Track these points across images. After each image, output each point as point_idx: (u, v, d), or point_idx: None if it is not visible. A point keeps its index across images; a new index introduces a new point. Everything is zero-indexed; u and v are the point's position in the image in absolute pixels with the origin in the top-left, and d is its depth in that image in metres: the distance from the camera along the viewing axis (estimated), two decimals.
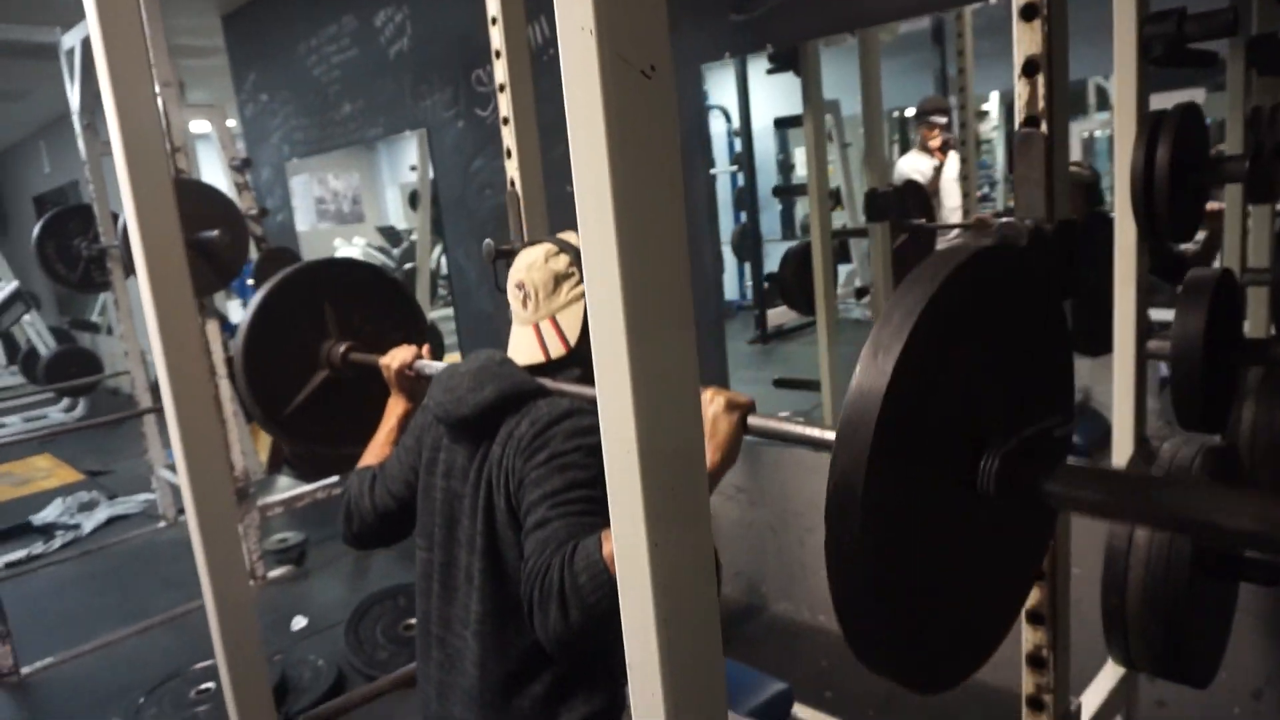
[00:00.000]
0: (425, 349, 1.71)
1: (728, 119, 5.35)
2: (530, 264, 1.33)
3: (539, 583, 1.06)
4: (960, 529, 0.84)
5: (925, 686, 0.85)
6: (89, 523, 4.52)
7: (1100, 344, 2.78)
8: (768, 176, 5.64)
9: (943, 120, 3.89)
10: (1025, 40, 1.22)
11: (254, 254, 3.50)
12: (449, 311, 7.36)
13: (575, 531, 1.08)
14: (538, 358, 1.32)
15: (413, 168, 5.07)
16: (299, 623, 3.20)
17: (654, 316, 0.70)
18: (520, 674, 1.24)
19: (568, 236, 1.37)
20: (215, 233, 2.96)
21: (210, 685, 2.59)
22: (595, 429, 1.14)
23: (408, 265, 6.52)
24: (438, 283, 5.65)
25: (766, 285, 4.71)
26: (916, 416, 0.74)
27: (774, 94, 4.63)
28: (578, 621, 1.03)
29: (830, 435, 0.84)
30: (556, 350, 1.31)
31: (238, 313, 6.07)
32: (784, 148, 8.09)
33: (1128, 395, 1.65)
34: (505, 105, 2.04)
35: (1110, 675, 1.69)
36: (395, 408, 1.65)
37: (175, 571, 3.82)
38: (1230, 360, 1.55)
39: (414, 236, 9.65)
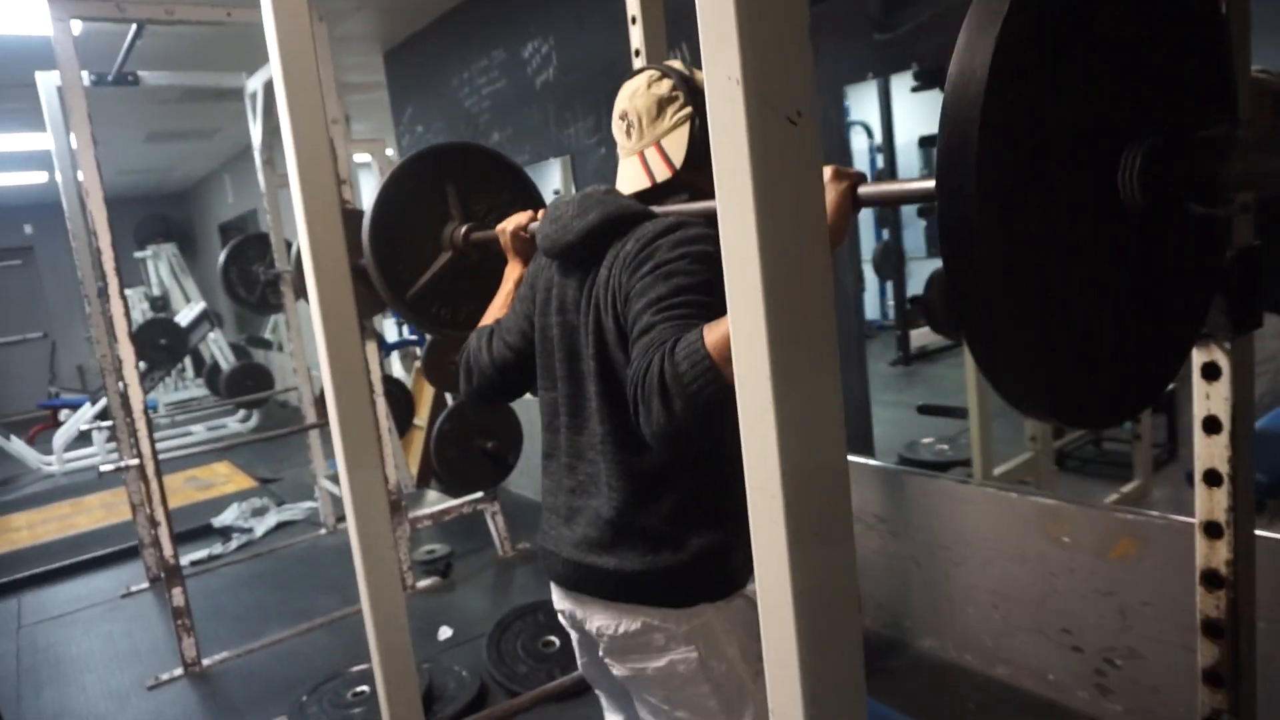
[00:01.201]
0: (541, 213, 1.66)
1: (869, 135, 5.23)
2: (633, 92, 1.30)
3: (644, 383, 1.04)
4: (1101, 247, 0.71)
5: (1076, 418, 0.75)
6: (260, 527, 4.88)
7: None
8: None
9: None
10: None
11: None
12: None
13: (680, 333, 1.05)
14: (643, 184, 1.29)
15: (556, 191, 5.22)
16: (445, 633, 3.33)
17: (799, 355, 0.69)
18: (645, 494, 1.23)
19: (668, 62, 1.33)
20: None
21: (365, 688, 2.74)
22: (703, 238, 1.16)
23: None
24: None
25: (910, 305, 4.55)
26: (1038, 87, 0.64)
27: (918, 109, 4.49)
28: (681, 411, 1.00)
29: None
30: (662, 174, 1.28)
31: (393, 332, 6.42)
32: (928, 163, 7.86)
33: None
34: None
35: None
36: (512, 271, 1.64)
37: (335, 576, 4.07)
38: None
39: None
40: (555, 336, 1.33)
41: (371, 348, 3.61)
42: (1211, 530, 1.24)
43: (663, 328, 1.08)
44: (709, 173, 1.32)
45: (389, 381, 4.16)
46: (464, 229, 1.92)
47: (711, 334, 1.00)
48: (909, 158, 5.45)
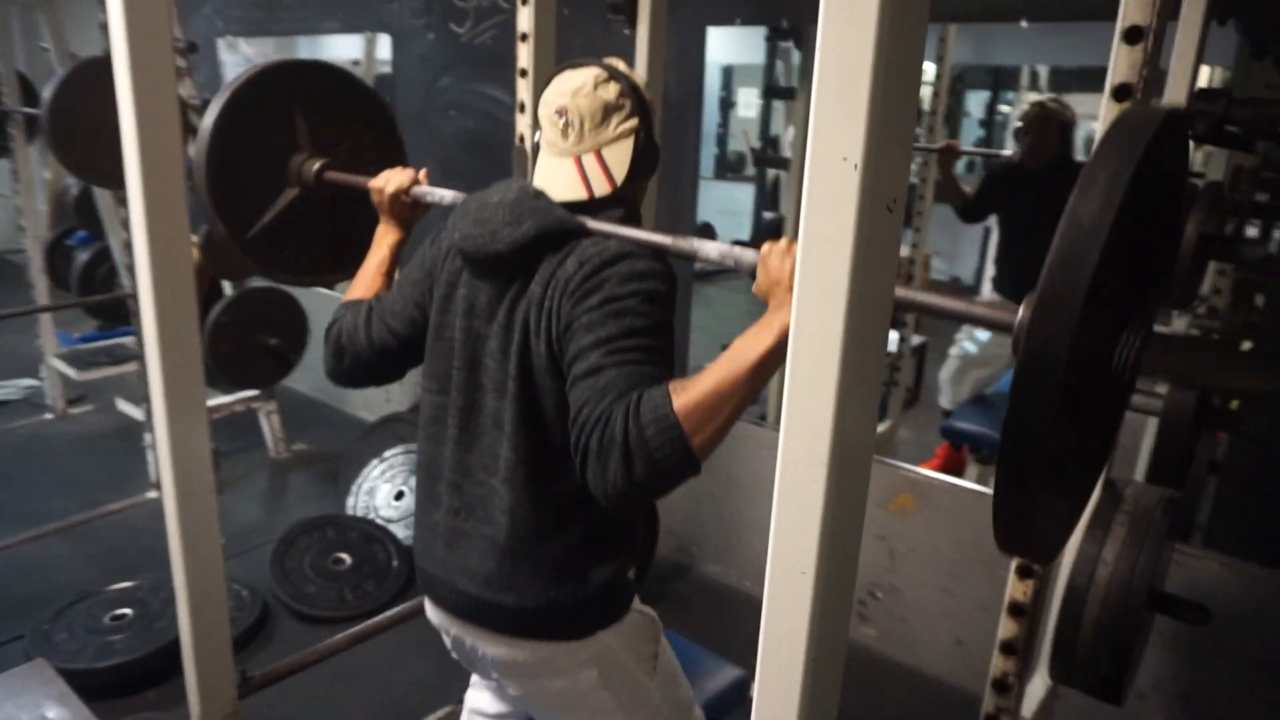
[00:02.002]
0: (424, 174, 1.56)
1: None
2: (577, 89, 1.20)
3: (598, 432, 1.01)
4: (1088, 412, 0.80)
5: (1047, 558, 0.86)
6: None
7: None
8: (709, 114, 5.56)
9: None
10: (1122, 64, 1.21)
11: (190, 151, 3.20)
12: None
13: (634, 381, 1.03)
14: (579, 194, 1.20)
15: (356, 63, 4.71)
16: None
17: (859, 380, 0.69)
18: (552, 523, 1.19)
19: (612, 61, 1.24)
20: None
21: (127, 611, 2.48)
22: (652, 274, 1.13)
23: None
24: None
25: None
26: (1103, 289, 0.68)
27: (729, 42, 4.53)
28: (641, 475, 0.99)
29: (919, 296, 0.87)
30: (601, 188, 1.20)
31: None
32: (727, 85, 8.01)
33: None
34: (525, 57, 1.92)
35: (1039, 688, 1.86)
36: (387, 236, 1.53)
37: (69, 472, 3.61)
38: (1201, 425, 1.67)
39: None
40: (456, 341, 1.24)
41: None
42: None
43: (613, 373, 1.04)
44: (642, 185, 1.28)
45: (194, 172, 3.60)
46: (317, 165, 1.70)
47: (680, 399, 0.98)
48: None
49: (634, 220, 1.25)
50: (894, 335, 4.29)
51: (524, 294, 1.17)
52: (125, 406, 3.96)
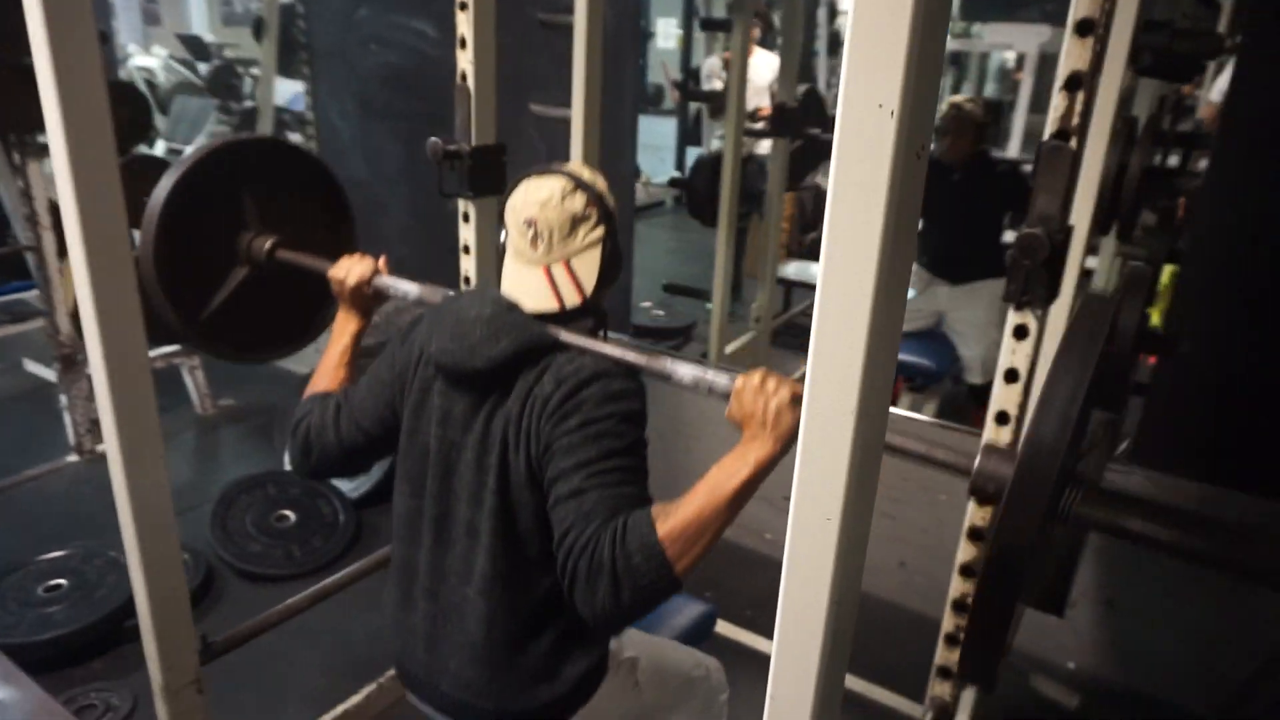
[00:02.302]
0: (383, 262, 1.57)
1: None
2: (544, 201, 1.23)
3: (585, 557, 1.06)
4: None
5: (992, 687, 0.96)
6: None
7: (961, 271, 3.02)
8: None
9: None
10: (1074, 54, 1.25)
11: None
12: None
13: (617, 504, 1.08)
14: (550, 305, 1.24)
15: None
16: None
17: (882, 345, 0.70)
18: (528, 631, 1.24)
19: (576, 170, 1.27)
20: None
21: (62, 581, 2.37)
22: (626, 393, 1.17)
23: (248, 103, 5.76)
24: (284, 126, 5.07)
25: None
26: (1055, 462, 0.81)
27: None
28: (629, 600, 1.05)
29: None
30: (572, 300, 1.25)
31: None
32: (644, 15, 7.84)
33: (1042, 364, 1.83)
34: None
35: None
36: (348, 325, 1.53)
37: None
38: (1137, 349, 1.75)
39: (226, 53, 8.57)
40: (431, 447, 1.26)
41: (35, 167, 2.91)
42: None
43: (595, 496, 1.08)
44: (608, 290, 1.30)
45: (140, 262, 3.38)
46: (268, 244, 1.66)
47: (664, 527, 1.03)
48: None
49: (602, 326, 1.29)
50: None
51: (501, 408, 1.20)
52: (34, 367, 3.74)
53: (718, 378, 1.15)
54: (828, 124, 3.73)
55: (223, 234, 1.68)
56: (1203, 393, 2.03)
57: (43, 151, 3.00)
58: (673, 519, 1.03)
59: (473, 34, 1.87)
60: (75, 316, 4.10)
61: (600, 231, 1.25)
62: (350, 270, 1.52)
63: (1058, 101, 1.28)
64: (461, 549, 1.25)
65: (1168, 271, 2.26)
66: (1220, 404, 2.10)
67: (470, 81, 1.91)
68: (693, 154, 7.14)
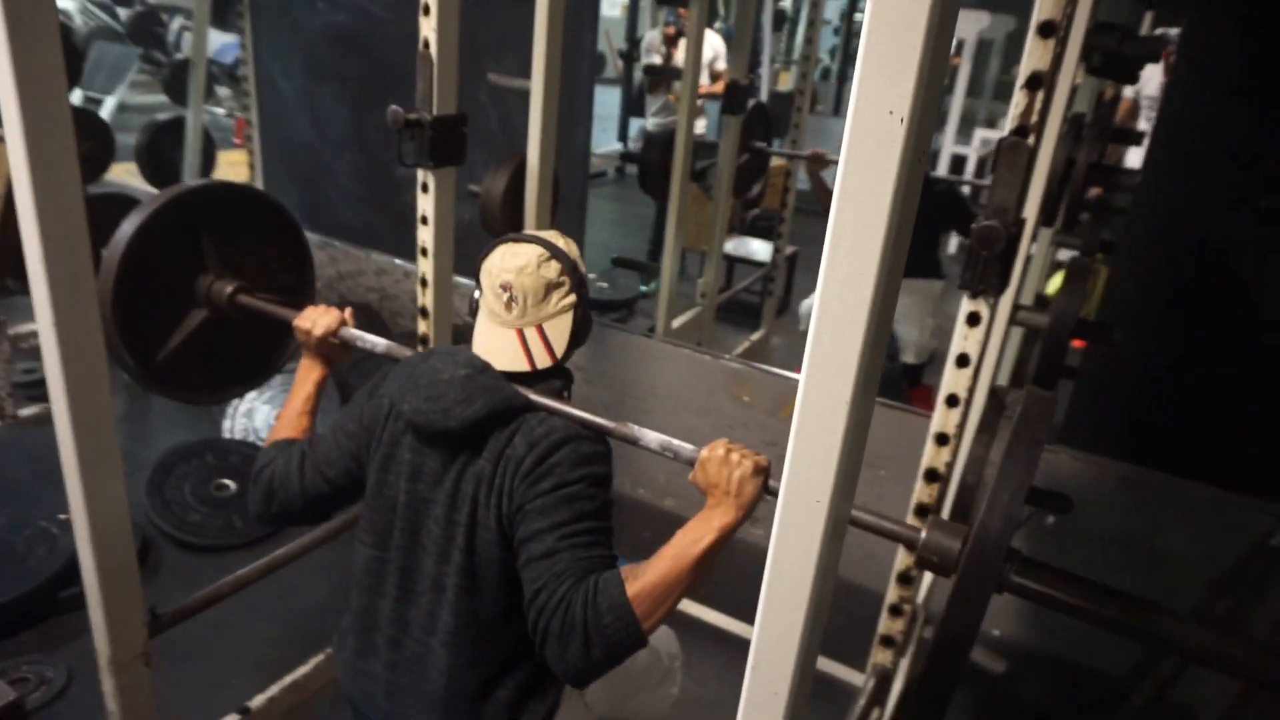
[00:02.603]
0: (349, 313, 1.58)
1: None
2: (521, 268, 1.28)
3: (558, 616, 1.11)
4: None
5: None
6: None
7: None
8: None
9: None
10: (1036, 55, 1.30)
11: None
12: (219, 111, 6.42)
13: (588, 565, 1.13)
14: (522, 366, 1.29)
15: None
16: None
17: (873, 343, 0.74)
18: (490, 682, 1.28)
19: (551, 239, 1.32)
20: None
21: None
22: (596, 457, 1.23)
23: (177, 55, 5.49)
24: (212, 77, 4.84)
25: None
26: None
27: None
28: (599, 656, 1.10)
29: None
30: (543, 361, 1.30)
31: None
32: None
33: (990, 350, 1.91)
34: None
35: (925, 577, 2.05)
36: (311, 373, 1.55)
37: None
38: (1073, 335, 1.85)
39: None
40: (400, 501, 1.28)
41: None
42: (941, 439, 1.56)
43: (567, 557, 1.13)
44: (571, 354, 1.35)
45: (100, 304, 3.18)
46: (230, 289, 1.64)
47: (633, 588, 1.08)
48: None
49: (568, 387, 1.35)
50: (768, 246, 4.42)
51: (471, 466, 1.23)
52: None
53: (682, 446, 1.21)
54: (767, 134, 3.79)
55: (181, 277, 1.67)
56: (1128, 378, 2.15)
57: None
58: (641, 581, 1.08)
59: (437, 1, 1.83)
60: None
61: (572, 299, 1.30)
62: (316, 322, 1.53)
63: (1018, 99, 1.34)
64: (427, 602, 1.28)
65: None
66: (1144, 389, 2.22)
67: (433, 50, 1.87)
68: (635, 125, 7.11)
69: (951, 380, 1.52)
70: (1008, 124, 1.36)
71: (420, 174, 1.95)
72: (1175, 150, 1.98)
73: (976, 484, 1.79)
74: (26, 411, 3.21)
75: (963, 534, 1.00)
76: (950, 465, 1.59)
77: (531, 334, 1.29)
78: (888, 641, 1.75)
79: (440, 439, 1.25)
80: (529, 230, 1.34)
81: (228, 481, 2.73)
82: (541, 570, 1.14)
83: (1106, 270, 2.34)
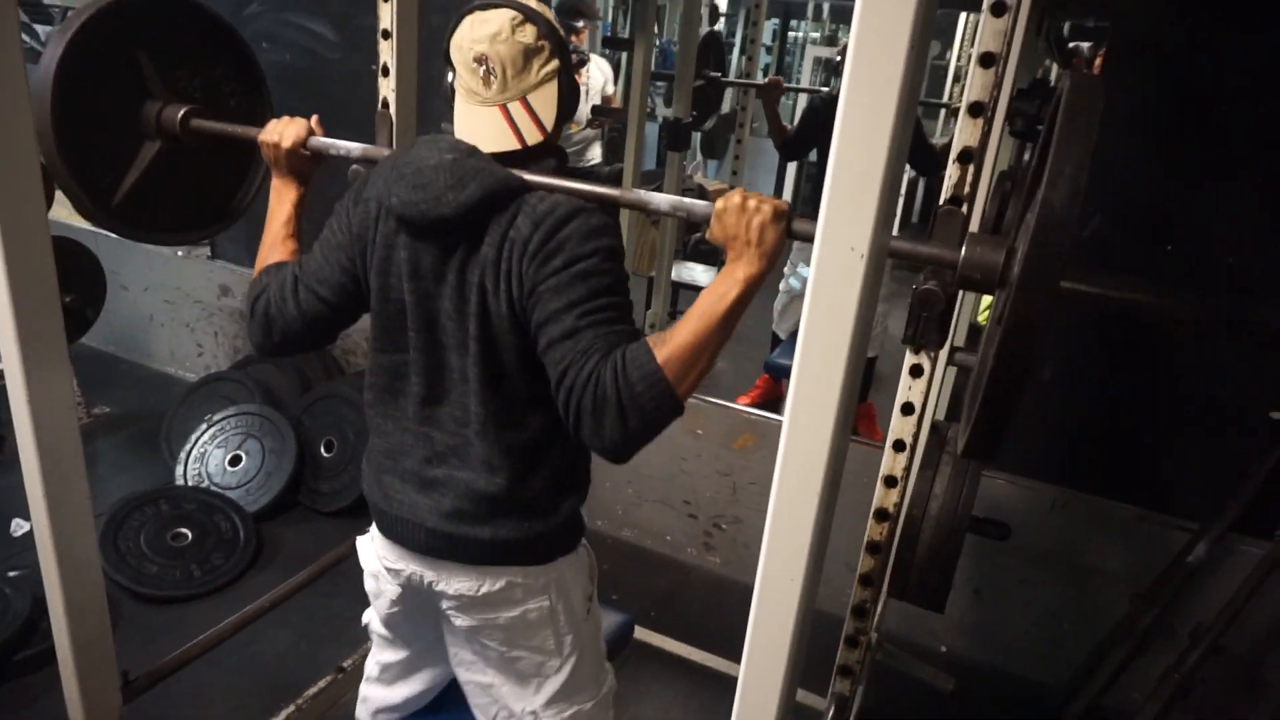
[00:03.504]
0: (315, 121, 1.47)
1: None
2: (494, 35, 1.18)
3: (589, 393, 1.07)
4: None
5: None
6: None
7: None
8: None
9: (579, 24, 3.69)
10: (966, 132, 1.42)
11: None
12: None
13: (612, 340, 1.10)
14: (511, 144, 1.21)
15: None
16: (21, 527, 2.81)
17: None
18: (525, 468, 1.26)
19: (522, 0, 1.21)
20: None
21: None
22: (606, 229, 1.18)
23: None
24: None
25: None
26: None
27: None
28: (636, 427, 1.07)
29: None
30: (533, 136, 1.22)
31: None
32: None
33: (935, 391, 2.02)
34: (388, 16, 1.84)
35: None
36: (287, 193, 1.45)
37: None
38: None
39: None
40: (407, 301, 1.24)
41: None
42: (890, 482, 1.67)
43: (590, 334, 1.10)
44: (561, 127, 1.33)
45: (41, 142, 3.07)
46: (181, 113, 1.55)
47: (663, 353, 1.06)
48: None
49: (564, 166, 1.27)
50: (711, 271, 4.52)
51: (475, 255, 1.18)
52: None
53: (695, 204, 1.16)
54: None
55: (126, 106, 1.54)
56: (1058, 407, 2.30)
57: None
58: (670, 345, 1.06)
59: (395, 62, 1.88)
60: None
61: (555, 64, 1.22)
62: (283, 134, 1.42)
63: (952, 171, 1.45)
64: (457, 394, 1.26)
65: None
66: (1072, 417, 2.38)
67: (392, 109, 1.92)
68: None
69: (898, 427, 1.63)
70: (942, 195, 1.47)
71: None
72: (1091, 199, 2.13)
73: (922, 517, 1.91)
74: None
75: (1005, 246, 0.98)
76: (899, 505, 1.69)
77: (516, 108, 1.20)
78: (845, 671, 1.85)
79: (435, 229, 1.18)
80: None
81: (184, 530, 2.71)
82: (565, 350, 1.10)
83: None
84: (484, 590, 1.30)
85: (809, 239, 1.10)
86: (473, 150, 1.19)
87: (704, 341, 1.07)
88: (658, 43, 6.60)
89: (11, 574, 2.41)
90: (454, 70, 1.24)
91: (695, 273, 4.87)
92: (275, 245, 1.41)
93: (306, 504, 3.03)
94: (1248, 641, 2.14)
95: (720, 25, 8.43)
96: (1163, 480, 2.31)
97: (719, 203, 1.09)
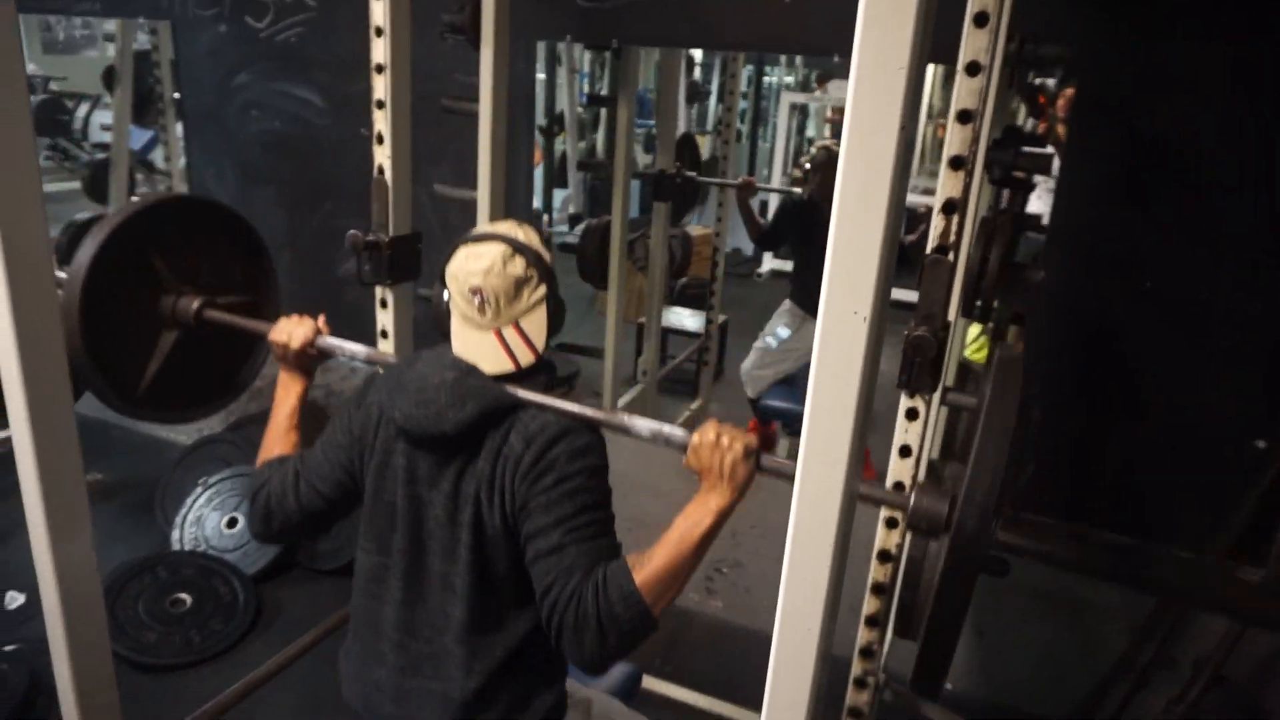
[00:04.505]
0: (322, 321, 1.58)
1: None
2: (487, 270, 1.28)
3: (571, 610, 1.15)
4: None
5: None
6: None
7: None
8: None
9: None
10: (949, 185, 1.48)
11: None
12: None
13: (594, 556, 1.18)
14: (507, 367, 1.30)
15: (109, 38, 4.23)
16: (15, 599, 2.78)
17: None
18: (503, 670, 1.30)
19: (510, 233, 1.31)
20: None
21: None
22: (592, 448, 1.27)
23: (86, 143, 5.43)
24: (134, 174, 4.80)
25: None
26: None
27: None
28: (615, 644, 1.15)
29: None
30: (526, 359, 1.31)
31: None
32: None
33: (929, 431, 2.07)
34: (381, 88, 1.90)
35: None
36: (292, 387, 1.54)
37: None
38: None
39: (53, 86, 7.99)
40: (399, 506, 1.31)
41: None
42: (891, 524, 1.70)
43: (574, 551, 1.18)
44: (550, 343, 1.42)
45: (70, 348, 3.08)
46: (195, 304, 1.66)
47: (640, 576, 1.14)
48: None
49: (552, 379, 1.36)
50: (699, 316, 4.59)
51: (470, 467, 1.26)
52: None
53: (674, 432, 1.26)
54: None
55: (145, 300, 1.66)
56: (1049, 444, 2.35)
57: None
58: (647, 568, 1.14)
59: (390, 131, 1.94)
60: None
61: (542, 290, 1.31)
62: (292, 334, 1.53)
63: (937, 222, 1.51)
64: (436, 601, 1.30)
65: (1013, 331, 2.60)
66: (1063, 452, 2.43)
67: (388, 175, 1.97)
68: (559, 195, 7.30)
69: (897, 469, 1.67)
70: (929, 243, 1.52)
71: (379, 290, 2.03)
72: (1068, 241, 2.21)
73: (923, 557, 1.93)
74: None
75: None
76: (900, 546, 1.72)
77: (510, 333, 1.30)
78: (855, 713, 1.85)
79: (434, 442, 1.27)
80: (484, 227, 1.35)
81: (183, 595, 2.69)
82: (550, 566, 1.17)
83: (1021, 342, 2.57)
84: None
85: (778, 474, 1.21)
86: (472, 369, 1.28)
87: (679, 566, 1.16)
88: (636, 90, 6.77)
89: (8, 648, 2.38)
90: (449, 293, 1.33)
91: (683, 317, 4.93)
92: (279, 438, 1.49)
93: (305, 564, 3.01)
94: (1248, 670, 2.16)
95: (697, 74, 8.66)
96: (1152, 511, 2.35)
97: (695, 437, 1.20)
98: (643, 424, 1.28)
